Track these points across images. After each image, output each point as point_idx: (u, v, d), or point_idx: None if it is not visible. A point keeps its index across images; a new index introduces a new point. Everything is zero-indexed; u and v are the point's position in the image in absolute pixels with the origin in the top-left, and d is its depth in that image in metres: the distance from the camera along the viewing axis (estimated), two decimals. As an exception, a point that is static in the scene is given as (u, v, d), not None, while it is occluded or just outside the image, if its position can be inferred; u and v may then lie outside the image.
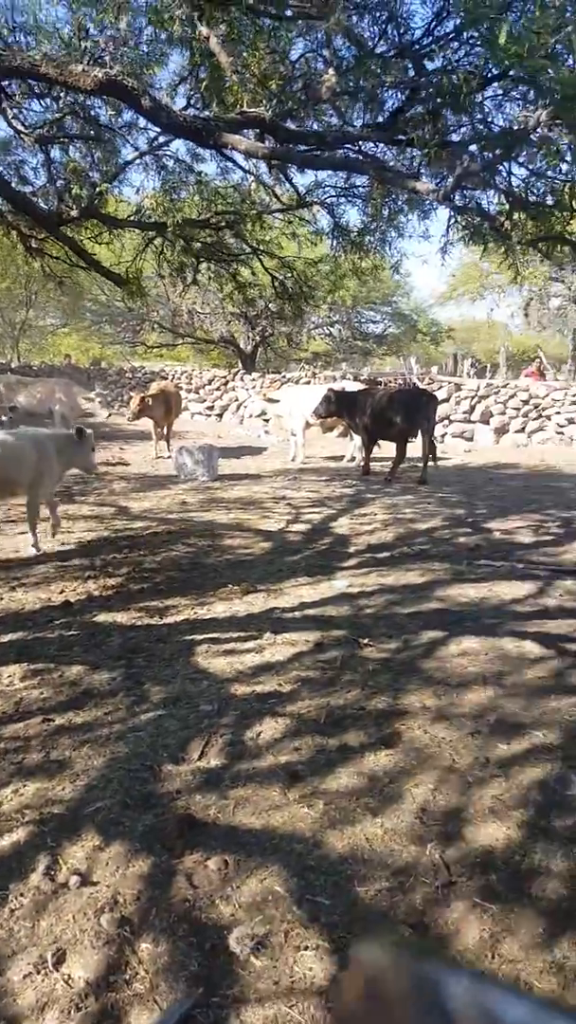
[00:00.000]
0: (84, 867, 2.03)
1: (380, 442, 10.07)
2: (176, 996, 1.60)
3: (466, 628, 3.92)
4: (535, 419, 14.34)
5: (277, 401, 11.42)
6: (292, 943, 1.75)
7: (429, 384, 14.89)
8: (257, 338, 20.59)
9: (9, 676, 3.33)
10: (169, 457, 10.70)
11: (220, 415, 18.07)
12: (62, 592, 4.58)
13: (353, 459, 11.22)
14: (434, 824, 2.21)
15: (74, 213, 6.48)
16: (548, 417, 14.20)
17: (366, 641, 3.71)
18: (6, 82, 5.63)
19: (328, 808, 2.28)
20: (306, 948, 1.73)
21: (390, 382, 14.57)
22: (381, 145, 5.58)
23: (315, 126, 5.41)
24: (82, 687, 3.20)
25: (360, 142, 5.48)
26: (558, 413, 14.04)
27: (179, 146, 7.08)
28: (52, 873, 2.01)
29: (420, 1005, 0.49)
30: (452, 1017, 0.47)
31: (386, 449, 10.24)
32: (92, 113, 6.42)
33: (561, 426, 14.00)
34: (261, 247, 7.99)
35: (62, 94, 5.99)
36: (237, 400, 17.81)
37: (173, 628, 3.94)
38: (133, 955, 1.73)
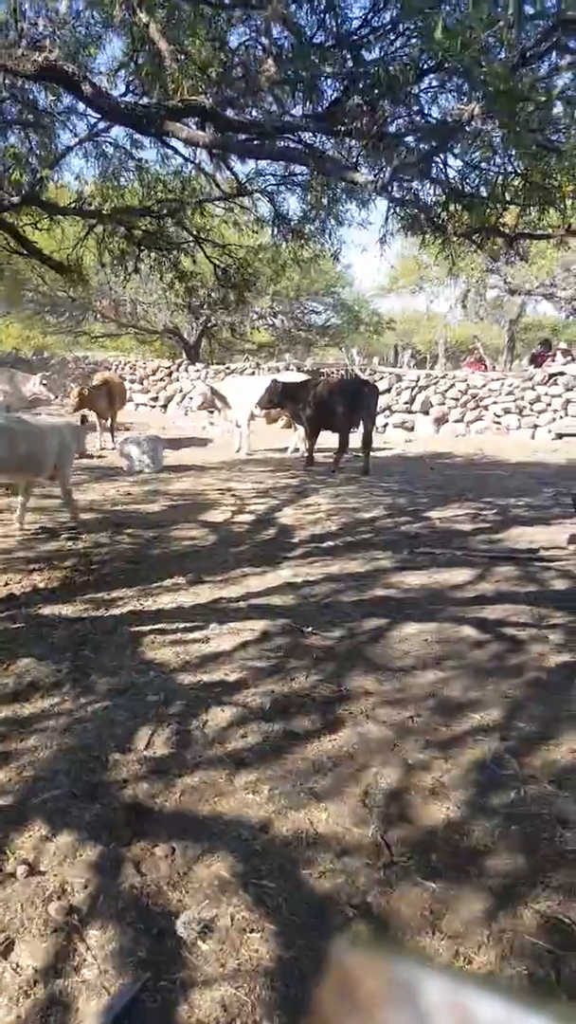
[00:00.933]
0: (31, 857, 2.02)
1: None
2: (124, 981, 1.62)
3: (407, 615, 4.02)
4: (473, 409, 14.70)
5: (228, 405, 11.32)
6: (238, 926, 1.79)
7: (371, 375, 15.07)
8: (200, 328, 20.40)
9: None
10: (114, 449, 10.54)
11: (165, 406, 17.86)
12: (6, 584, 4.49)
13: (297, 450, 11.28)
14: (376, 806, 2.27)
15: (14, 199, 6.30)
16: (485, 407, 14.58)
17: (311, 629, 3.77)
18: None
19: (274, 794, 2.32)
20: (252, 931, 1.77)
21: (332, 373, 14.68)
22: (320, 135, 5.61)
23: (255, 115, 5.40)
24: (28, 679, 3.15)
25: (299, 132, 5.50)
26: (495, 403, 14.43)
27: (119, 133, 6.95)
28: (-1, 864, 2.00)
29: (398, 1006, 0.50)
30: (429, 1017, 0.48)
31: (331, 440, 10.32)
32: (31, 97, 6.24)
33: (498, 416, 14.39)
34: (202, 235, 7.94)
35: None
36: (182, 391, 17.63)
37: (119, 620, 3.91)
38: (81, 942, 1.74)
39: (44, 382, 12.52)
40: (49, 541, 5.61)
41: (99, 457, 10.55)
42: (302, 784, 2.38)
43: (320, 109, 5.11)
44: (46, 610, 4.05)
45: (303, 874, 1.97)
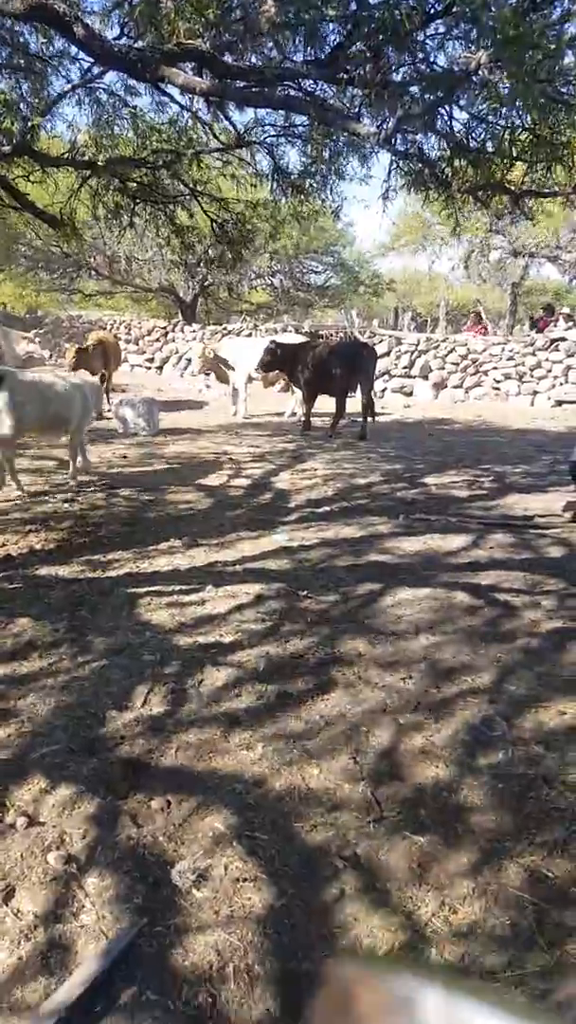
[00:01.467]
0: (31, 809, 2.08)
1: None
2: (122, 927, 1.68)
3: (402, 580, 4.04)
4: (473, 374, 14.56)
5: (232, 368, 11.09)
6: (232, 876, 1.84)
7: (369, 338, 14.88)
8: (197, 287, 20.03)
9: (-53, 631, 3.29)
10: (109, 411, 10.45)
11: (160, 367, 17.65)
12: (3, 545, 4.50)
13: (294, 414, 11.20)
14: (367, 764, 2.32)
15: (5, 149, 6.11)
16: (485, 372, 14.44)
17: (305, 593, 3.80)
18: None
19: (267, 751, 2.37)
20: (246, 880, 1.83)
21: (331, 335, 14.49)
22: (321, 83, 5.42)
23: (254, 60, 5.21)
24: (26, 638, 3.19)
25: (300, 80, 5.31)
26: (495, 368, 14.29)
27: (113, 78, 6.72)
28: (-1, 815, 2.04)
29: (395, 1022, 0.50)
30: None
31: (329, 405, 10.24)
32: (21, 40, 6.01)
33: (497, 381, 14.28)
34: (199, 188, 7.74)
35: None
36: (178, 352, 17.41)
37: (116, 581, 3.93)
38: (80, 890, 1.80)
39: (38, 340, 12.36)
40: (45, 503, 5.61)
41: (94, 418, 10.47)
42: (295, 742, 2.42)
43: (322, 55, 4.92)
44: (43, 571, 4.06)
45: (295, 827, 2.02)
